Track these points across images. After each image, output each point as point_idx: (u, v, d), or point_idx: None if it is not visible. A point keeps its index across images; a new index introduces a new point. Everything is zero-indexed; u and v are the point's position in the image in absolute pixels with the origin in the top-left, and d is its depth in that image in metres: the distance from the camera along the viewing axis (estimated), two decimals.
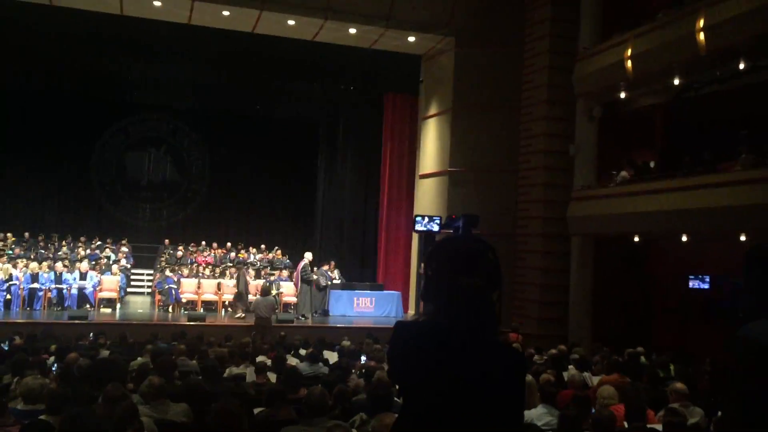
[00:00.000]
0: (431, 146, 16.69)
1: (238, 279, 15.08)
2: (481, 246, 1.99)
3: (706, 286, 13.64)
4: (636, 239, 13.54)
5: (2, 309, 13.86)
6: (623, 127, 14.73)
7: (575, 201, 14.04)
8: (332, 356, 10.20)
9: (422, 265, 2.81)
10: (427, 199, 16.67)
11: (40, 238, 17.46)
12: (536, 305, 14.70)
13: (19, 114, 18.44)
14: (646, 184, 12.68)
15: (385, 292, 16.47)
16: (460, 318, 1.88)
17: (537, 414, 5.95)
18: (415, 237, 17.30)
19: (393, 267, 17.66)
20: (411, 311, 16.87)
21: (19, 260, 15.08)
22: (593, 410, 6.02)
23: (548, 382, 7.29)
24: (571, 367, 9.31)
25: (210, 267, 16.83)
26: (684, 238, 12.51)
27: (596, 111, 13.95)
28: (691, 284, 13.85)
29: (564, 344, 11.91)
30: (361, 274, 17.94)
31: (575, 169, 14.27)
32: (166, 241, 18.84)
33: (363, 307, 15.99)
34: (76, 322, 12.79)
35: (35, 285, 14.27)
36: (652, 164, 14.20)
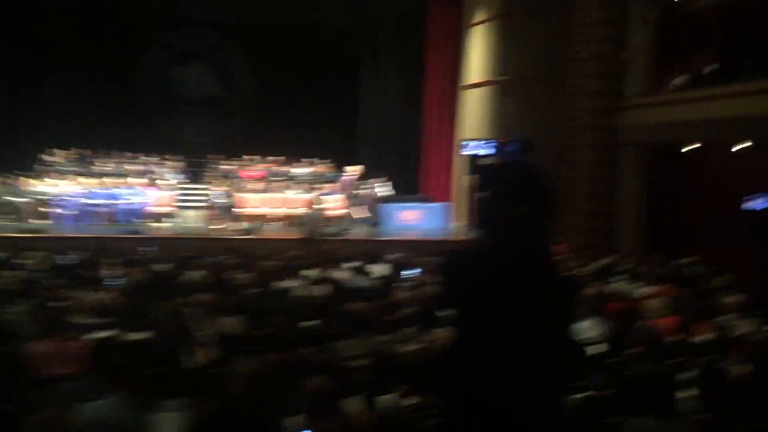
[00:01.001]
0: (477, 55, 16.22)
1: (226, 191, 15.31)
2: (533, 174, 1.93)
3: (762, 204, 13.20)
4: (690, 149, 13.12)
5: (59, 223, 14.31)
6: (679, 31, 14.02)
7: (627, 109, 13.61)
8: (379, 269, 10.33)
9: (476, 192, 2.76)
10: (472, 111, 16.36)
11: (90, 152, 17.76)
12: (584, 216, 14.52)
13: (65, 30, 18.45)
14: (703, 90, 12.17)
15: (432, 204, 16.44)
16: (511, 246, 1.84)
17: (584, 327, 5.96)
18: (458, 148, 17.11)
19: (437, 179, 17.57)
20: (457, 223, 16.90)
21: (71, 176, 15.45)
22: (640, 323, 6.02)
23: (596, 294, 7.30)
24: (618, 279, 9.26)
25: (256, 181, 17.01)
26: (742, 147, 12.07)
27: (651, 14, 13.29)
28: (745, 201, 13.44)
29: (612, 255, 11.85)
30: (405, 186, 17.88)
31: (627, 76, 13.76)
32: (213, 155, 19.01)
33: (409, 220, 16.04)
34: (129, 236, 13.18)
35: (88, 201, 14.67)
36: (709, 69, 13.57)
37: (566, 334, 1.93)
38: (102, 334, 4.92)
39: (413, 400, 3.52)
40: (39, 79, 18.25)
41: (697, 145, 12.94)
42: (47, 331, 4.60)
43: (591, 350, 5.13)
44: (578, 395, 3.90)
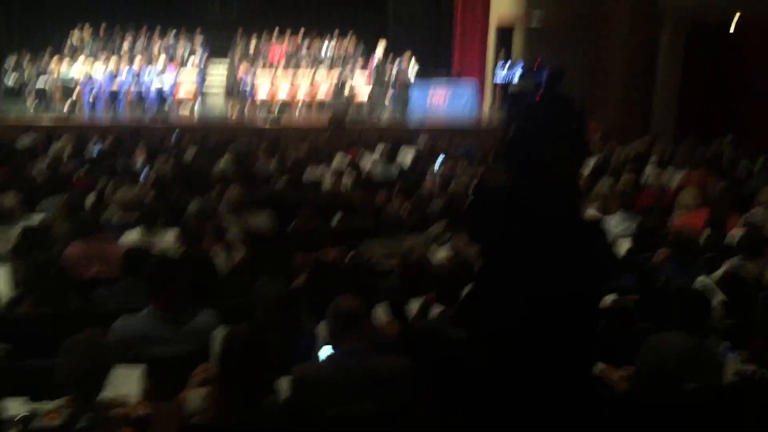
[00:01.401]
0: None
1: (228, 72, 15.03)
2: (566, 114, 1.83)
3: None
4: (731, 30, 12.44)
5: (87, 111, 14.32)
6: None
7: None
8: (407, 156, 10.26)
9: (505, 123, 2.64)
10: None
11: (116, 28, 17.39)
12: (619, 95, 14.11)
13: None
14: None
15: (462, 82, 16.00)
16: (541, 189, 1.78)
17: (615, 221, 5.92)
18: (492, 26, 16.48)
19: (469, 55, 17.02)
20: (487, 102, 16.57)
21: (98, 57, 15.22)
22: (671, 221, 5.95)
23: (627, 184, 7.18)
24: (651, 166, 9.07)
25: (283, 61, 16.63)
26: None
27: None
28: None
29: (645, 137, 11.59)
30: (435, 62, 17.37)
31: None
32: (240, 29, 18.52)
33: (438, 101, 15.72)
34: (158, 124, 13.18)
35: (116, 86, 14.57)
36: None
37: (596, 284, 1.90)
38: (134, 235, 5.03)
39: (440, 308, 3.56)
40: None
41: (738, 18, 12.26)
42: (81, 231, 4.68)
43: (619, 247, 5.12)
44: (604, 298, 3.92)
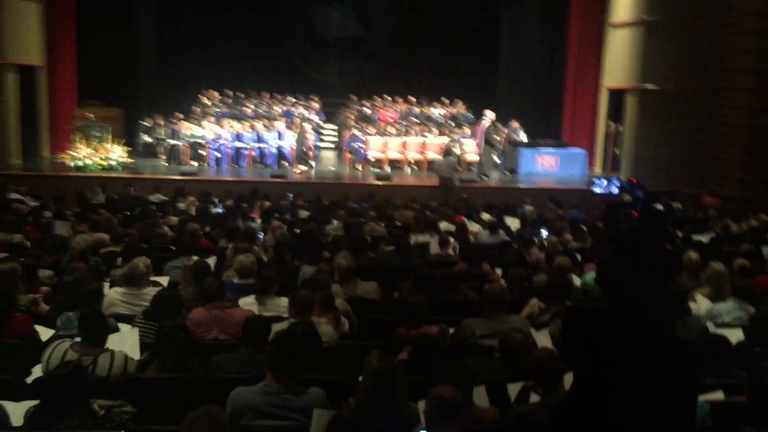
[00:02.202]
0: None
1: (298, 135, 15.46)
2: (660, 236, 1.94)
3: None
4: None
5: (214, 166, 15.37)
6: None
7: None
8: (514, 223, 10.33)
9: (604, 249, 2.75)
10: (619, 53, 15.53)
11: (241, 95, 18.68)
12: (738, 166, 13.60)
13: None
14: None
15: (570, 150, 16.00)
16: (636, 311, 1.88)
17: (726, 309, 5.72)
18: (604, 93, 16.40)
19: (579, 123, 16.97)
20: (597, 168, 16.40)
21: (225, 120, 16.38)
22: None
23: (743, 268, 6.89)
24: None
25: (395, 124, 17.22)
26: None
27: None
28: None
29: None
30: (545, 131, 17.44)
31: None
32: (353, 96, 19.38)
33: (547, 166, 15.74)
34: (277, 180, 13.93)
35: (240, 144, 15.58)
36: None
37: (688, 406, 1.96)
38: (250, 300, 5.40)
39: (538, 397, 3.63)
40: (192, 25, 19.23)
41: None
42: (206, 297, 5.08)
43: (729, 338, 4.95)
44: (709, 396, 3.83)
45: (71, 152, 14.18)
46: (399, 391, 3.43)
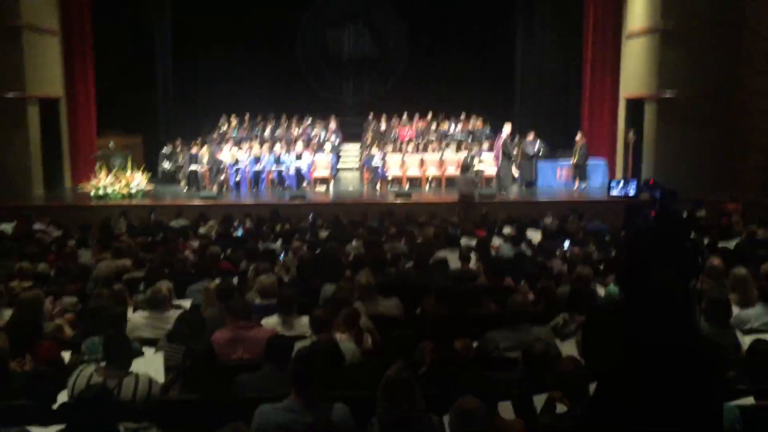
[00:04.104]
0: (640, 1, 15.24)
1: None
2: (677, 235, 1.91)
3: None
4: None
5: (234, 190, 15.50)
6: None
7: None
8: (536, 236, 10.26)
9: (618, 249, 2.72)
10: (635, 62, 15.48)
11: (258, 119, 18.86)
12: (759, 170, 13.44)
13: (228, 3, 19.49)
14: None
15: (590, 160, 15.91)
16: (654, 312, 1.85)
17: (755, 314, 5.62)
18: (622, 102, 16.31)
19: (597, 134, 16.87)
20: (618, 177, 16.27)
21: (243, 143, 16.54)
22: None
23: None
24: None
25: (412, 142, 17.26)
26: None
27: None
28: None
29: None
30: (564, 142, 17.38)
31: None
32: (370, 115, 19.46)
33: (566, 178, 15.66)
34: (296, 202, 13.99)
35: (259, 167, 15.69)
36: None
37: (712, 408, 1.92)
38: (273, 320, 5.40)
39: (565, 407, 3.58)
40: (208, 51, 19.49)
41: None
42: (230, 318, 5.10)
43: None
44: (738, 401, 3.76)
45: (93, 181, 14.37)
46: (413, 400, 3.40)
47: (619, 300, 2.02)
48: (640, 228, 2.01)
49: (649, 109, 14.98)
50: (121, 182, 14.33)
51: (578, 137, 15.35)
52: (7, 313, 5.60)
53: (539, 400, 3.81)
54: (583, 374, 3.66)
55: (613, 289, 6.23)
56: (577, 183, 15.26)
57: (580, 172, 15.28)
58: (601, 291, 6.54)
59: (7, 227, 11.36)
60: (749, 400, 3.85)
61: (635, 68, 15.50)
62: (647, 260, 1.89)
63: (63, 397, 4.21)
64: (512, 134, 15.57)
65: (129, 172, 14.68)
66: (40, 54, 14.93)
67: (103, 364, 4.24)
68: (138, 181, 14.59)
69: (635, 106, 15.71)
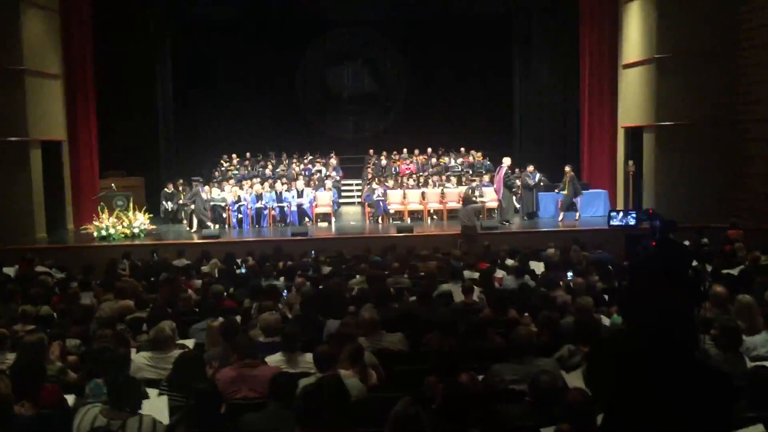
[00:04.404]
0: (635, 32, 15.43)
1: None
2: (678, 264, 1.92)
3: None
4: None
5: (236, 227, 15.54)
6: None
7: None
8: (538, 267, 10.25)
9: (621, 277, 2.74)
10: (632, 92, 15.62)
11: (259, 157, 19.00)
12: (760, 198, 13.46)
13: (229, 41, 19.78)
14: None
15: (591, 191, 15.96)
16: (656, 341, 1.85)
17: (761, 341, 5.58)
18: (621, 132, 16.42)
19: (597, 164, 16.95)
20: (620, 208, 16.27)
21: (244, 181, 16.64)
22: None
23: None
24: None
25: (413, 176, 17.35)
26: None
27: None
28: None
29: None
30: (563, 173, 17.45)
31: None
32: (371, 151, 19.60)
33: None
34: (298, 238, 14.00)
35: (260, 204, 15.75)
36: None
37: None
38: (277, 358, 5.37)
39: None
40: (208, 92, 19.75)
41: None
42: (234, 356, 5.08)
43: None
44: (746, 429, 3.72)
45: (95, 223, 14.42)
46: None
47: (623, 330, 2.01)
48: (640, 258, 2.01)
49: (648, 138, 15.07)
50: (123, 223, 14.38)
51: (567, 169, 15.41)
52: (11, 356, 5.58)
53: None
54: (591, 405, 3.63)
55: (617, 319, 6.20)
56: (561, 215, 15.28)
57: (569, 204, 15.32)
58: (606, 321, 6.51)
59: (10, 270, 11.35)
60: (758, 428, 3.80)
61: (633, 98, 15.63)
62: (647, 290, 1.90)
63: None
64: (512, 167, 15.65)
65: (131, 212, 14.73)
66: (43, 98, 15.09)
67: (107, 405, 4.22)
68: (140, 221, 14.64)
69: (634, 135, 15.81)
